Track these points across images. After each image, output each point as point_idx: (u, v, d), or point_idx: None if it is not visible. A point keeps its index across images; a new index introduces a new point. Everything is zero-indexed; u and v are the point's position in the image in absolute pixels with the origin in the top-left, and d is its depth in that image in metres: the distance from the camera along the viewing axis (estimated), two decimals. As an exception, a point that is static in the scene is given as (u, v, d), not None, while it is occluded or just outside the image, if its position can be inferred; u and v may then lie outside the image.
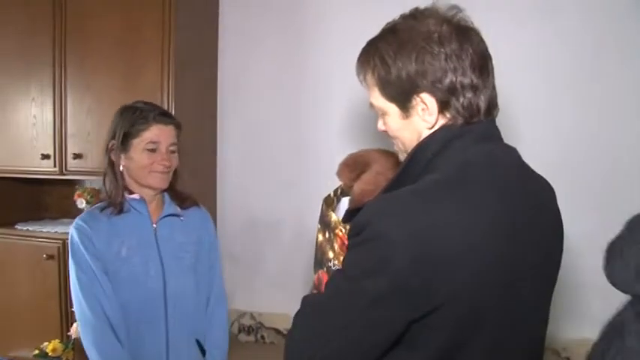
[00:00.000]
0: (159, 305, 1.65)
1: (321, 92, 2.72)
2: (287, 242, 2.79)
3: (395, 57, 0.96)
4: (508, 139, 1.06)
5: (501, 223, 0.91)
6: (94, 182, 2.86)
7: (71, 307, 1.70)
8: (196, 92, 2.73)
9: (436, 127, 0.99)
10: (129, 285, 1.62)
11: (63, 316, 2.57)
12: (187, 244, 1.75)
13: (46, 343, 2.22)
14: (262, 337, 2.83)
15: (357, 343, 0.90)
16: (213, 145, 2.93)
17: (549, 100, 2.37)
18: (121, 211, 1.66)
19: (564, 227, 1.08)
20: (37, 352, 2.22)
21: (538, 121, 2.35)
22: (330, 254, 1.19)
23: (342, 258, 1.15)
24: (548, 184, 1.08)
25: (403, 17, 1.01)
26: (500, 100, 1.04)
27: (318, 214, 1.28)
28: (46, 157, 2.70)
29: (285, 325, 2.58)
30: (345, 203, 1.30)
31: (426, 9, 1.00)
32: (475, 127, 0.97)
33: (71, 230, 1.63)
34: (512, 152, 1.03)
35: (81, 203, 2.80)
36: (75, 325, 1.83)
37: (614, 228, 2.28)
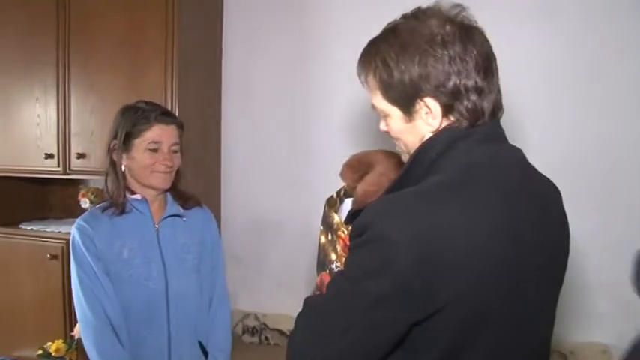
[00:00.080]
0: (161, 306, 1.64)
1: (325, 92, 2.71)
2: (291, 243, 2.78)
3: (397, 60, 0.94)
4: (508, 139, 1.05)
5: (506, 224, 0.89)
6: (98, 182, 2.85)
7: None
8: (200, 92, 2.72)
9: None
10: (130, 286, 1.61)
11: (66, 316, 2.58)
12: (190, 245, 1.74)
13: (49, 343, 2.21)
14: (266, 338, 2.83)
15: (358, 345, 0.89)
16: (217, 145, 2.93)
17: (550, 100, 2.37)
18: (122, 211, 1.65)
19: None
20: (40, 351, 2.21)
21: (538, 121, 2.34)
22: (333, 256, 1.17)
23: (344, 260, 1.14)
24: (554, 185, 1.07)
25: (405, 17, 0.99)
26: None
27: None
28: (49, 156, 2.70)
29: (290, 326, 2.58)
30: (348, 205, 1.29)
31: (429, 8, 0.98)
32: (479, 129, 0.96)
33: (73, 231, 1.62)
34: (517, 153, 1.01)
35: (85, 203, 2.80)
36: (78, 325, 1.83)
37: (616, 228, 2.28)
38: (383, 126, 1.06)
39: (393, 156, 1.20)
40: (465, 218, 0.86)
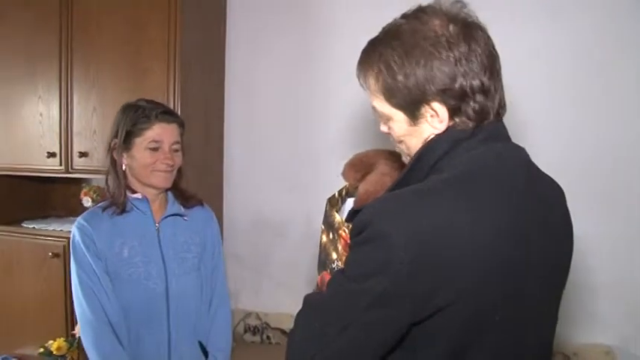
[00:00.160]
0: (161, 306, 1.63)
1: (328, 93, 2.70)
2: (293, 242, 2.78)
3: (401, 63, 0.92)
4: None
5: (510, 223, 0.89)
6: (100, 180, 2.86)
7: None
8: (203, 92, 2.72)
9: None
10: (130, 285, 1.60)
11: (68, 315, 2.58)
12: (190, 244, 1.73)
13: (50, 342, 2.21)
14: (268, 337, 2.82)
15: (357, 344, 0.88)
16: (220, 145, 2.92)
17: (550, 99, 2.37)
18: (123, 210, 1.64)
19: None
20: (41, 350, 2.21)
21: (538, 120, 2.34)
22: (334, 255, 1.17)
23: (344, 259, 1.13)
24: (557, 185, 1.06)
25: (406, 18, 0.96)
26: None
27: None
28: (52, 155, 2.70)
29: (291, 325, 2.58)
30: (350, 204, 1.28)
31: (429, 7, 0.95)
32: (484, 129, 0.94)
33: (73, 230, 1.62)
34: (521, 152, 1.00)
35: (87, 202, 2.80)
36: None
37: (616, 228, 2.28)
38: (383, 128, 1.05)
39: (396, 156, 1.19)
40: (466, 217, 0.85)
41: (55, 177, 2.88)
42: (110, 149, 1.66)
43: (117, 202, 1.64)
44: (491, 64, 0.94)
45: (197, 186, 1.85)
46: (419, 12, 0.95)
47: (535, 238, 0.92)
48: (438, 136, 0.95)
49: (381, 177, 1.22)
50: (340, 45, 2.63)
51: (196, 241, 1.75)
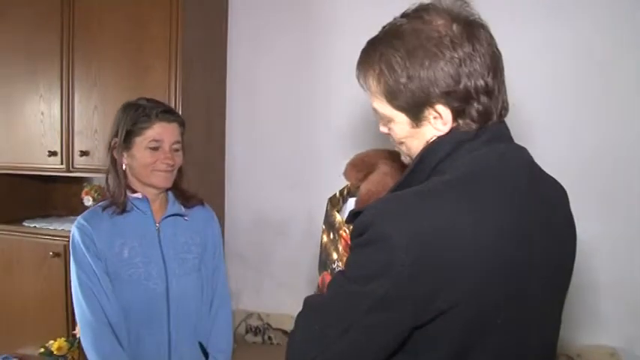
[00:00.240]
0: (161, 307, 1.62)
1: (330, 91, 2.70)
2: (295, 242, 2.77)
3: (404, 65, 0.90)
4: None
5: (513, 224, 0.87)
6: (101, 180, 2.83)
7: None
8: (204, 90, 2.71)
9: None
10: (130, 286, 1.59)
11: (69, 315, 2.57)
12: (191, 245, 1.72)
13: (51, 342, 2.20)
14: (269, 337, 2.81)
15: (358, 347, 0.87)
16: (222, 143, 2.91)
17: (550, 99, 2.36)
18: (123, 210, 1.63)
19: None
20: (42, 350, 2.20)
21: (538, 120, 2.33)
22: (335, 255, 1.16)
23: (345, 259, 1.12)
24: (560, 185, 1.04)
25: (407, 17, 0.94)
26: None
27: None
28: (53, 154, 2.70)
29: (293, 326, 2.57)
30: (351, 204, 1.27)
31: (431, 5, 0.93)
32: (487, 130, 0.93)
33: (73, 229, 1.61)
34: (524, 153, 0.98)
35: (88, 201, 2.80)
36: (80, 324, 1.82)
37: (617, 228, 2.27)
38: (383, 129, 1.03)
39: (398, 156, 1.17)
40: (472, 217, 0.84)
41: (56, 176, 2.88)
42: (110, 148, 1.65)
43: (117, 201, 1.63)
44: (495, 64, 0.92)
45: (198, 184, 1.84)
46: (421, 11, 0.93)
47: (538, 239, 0.90)
48: (440, 137, 0.93)
49: (383, 177, 1.21)
50: (342, 42, 2.62)
51: (197, 242, 1.74)
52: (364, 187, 1.22)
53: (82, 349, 1.61)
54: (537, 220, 0.91)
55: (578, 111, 2.34)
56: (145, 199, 1.66)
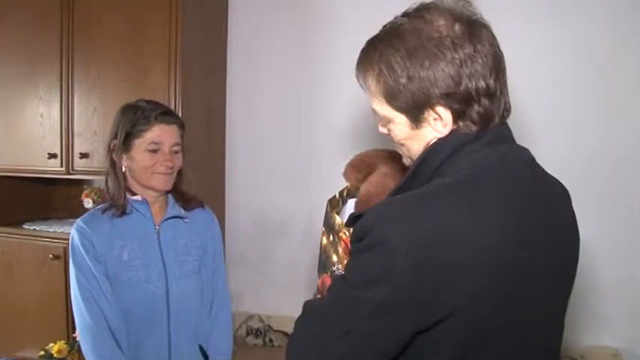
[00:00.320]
0: (161, 309, 1.61)
1: (330, 92, 2.69)
2: (296, 243, 2.76)
3: (404, 65, 0.89)
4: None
5: (515, 225, 0.86)
6: (101, 182, 2.83)
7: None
8: (204, 92, 2.71)
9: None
10: (130, 289, 1.58)
11: (69, 317, 2.56)
12: (191, 247, 1.71)
13: (51, 344, 2.21)
14: (270, 340, 2.80)
15: (358, 352, 0.86)
16: (222, 145, 2.91)
17: (550, 99, 2.35)
18: (123, 212, 1.62)
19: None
20: (42, 352, 2.20)
21: (538, 121, 2.32)
22: (334, 258, 1.15)
23: (345, 262, 1.11)
24: (563, 186, 1.03)
25: (408, 16, 0.92)
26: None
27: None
28: (52, 156, 2.69)
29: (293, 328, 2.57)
30: (351, 205, 1.26)
31: (432, 4, 0.92)
32: (488, 132, 0.92)
33: (72, 232, 1.60)
34: (525, 153, 0.97)
35: (88, 203, 2.79)
36: (79, 327, 1.81)
37: (617, 229, 2.26)
38: (382, 129, 1.01)
39: (398, 156, 1.17)
40: (473, 219, 0.83)
41: (55, 178, 2.87)
42: (109, 151, 1.64)
43: (116, 204, 1.62)
44: (497, 66, 0.91)
45: (198, 186, 1.83)
46: (422, 10, 0.92)
47: (540, 240, 0.90)
48: (441, 139, 0.92)
49: (383, 178, 1.20)
50: (342, 43, 2.61)
51: (197, 244, 1.73)
52: (364, 188, 1.21)
53: (82, 353, 1.60)
54: (540, 221, 0.90)
55: (578, 111, 2.33)
56: (144, 201, 1.65)
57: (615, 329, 2.31)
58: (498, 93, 0.91)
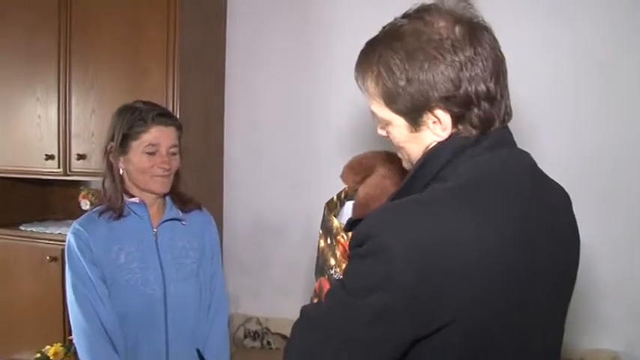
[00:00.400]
0: (159, 313, 1.61)
1: (329, 92, 2.67)
2: (295, 245, 2.75)
3: (403, 67, 0.87)
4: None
5: (516, 229, 0.85)
6: (99, 183, 2.81)
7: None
8: (202, 93, 2.69)
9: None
10: (127, 292, 1.57)
11: (65, 320, 2.53)
12: (189, 250, 1.70)
13: (47, 347, 2.20)
14: (268, 342, 2.79)
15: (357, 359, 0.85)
16: (220, 146, 2.89)
17: (550, 100, 2.34)
18: (120, 215, 1.61)
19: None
20: (38, 355, 2.20)
21: (539, 121, 2.31)
22: (332, 261, 1.14)
23: (343, 265, 1.10)
24: (564, 191, 1.02)
25: (408, 18, 0.91)
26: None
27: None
28: (50, 157, 2.67)
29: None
30: (348, 207, 1.26)
31: (433, 6, 0.91)
32: (489, 136, 0.91)
33: (68, 235, 1.59)
34: (527, 158, 0.96)
35: (85, 204, 2.78)
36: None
37: (617, 230, 2.26)
38: (381, 132, 1.00)
39: (396, 158, 1.16)
40: (474, 224, 0.82)
41: (53, 179, 2.85)
42: (106, 153, 1.63)
43: (114, 206, 1.62)
44: (498, 69, 0.89)
45: (196, 188, 1.82)
46: (422, 12, 0.90)
47: (541, 245, 0.89)
48: (441, 143, 0.91)
49: (382, 180, 1.19)
50: (342, 43, 2.60)
51: (195, 246, 1.72)
52: (362, 191, 1.20)
53: (78, 356, 1.59)
54: (541, 225, 0.89)
55: (578, 111, 2.32)
56: (142, 203, 1.64)
57: (614, 331, 2.30)
58: (499, 96, 0.89)
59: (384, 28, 0.95)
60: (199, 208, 1.80)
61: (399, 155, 1.03)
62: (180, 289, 1.65)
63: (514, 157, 0.93)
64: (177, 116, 2.36)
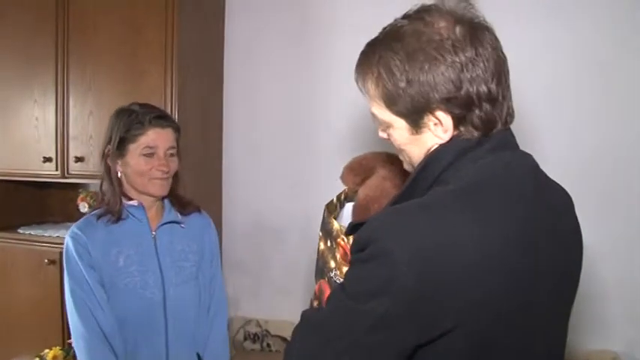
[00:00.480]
0: (158, 316, 1.59)
1: (329, 94, 2.67)
2: (294, 247, 2.74)
3: (403, 68, 0.87)
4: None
5: (519, 231, 0.85)
6: (97, 186, 2.81)
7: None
8: (201, 94, 2.68)
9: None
10: (127, 296, 1.56)
11: (64, 323, 2.52)
12: (188, 252, 1.69)
13: (46, 351, 2.19)
14: (268, 345, 2.78)
15: None
16: (219, 148, 2.88)
17: (550, 100, 2.34)
18: (119, 218, 1.60)
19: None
20: (37, 359, 2.18)
21: (539, 121, 2.30)
22: (332, 264, 1.13)
23: (343, 268, 1.10)
24: (566, 192, 1.02)
25: (408, 18, 0.90)
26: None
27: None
28: (47, 159, 2.66)
29: (291, 333, 2.55)
30: (348, 209, 1.25)
31: (434, 6, 0.90)
32: (491, 138, 0.90)
33: (66, 239, 1.58)
34: (529, 160, 0.95)
35: (83, 207, 2.77)
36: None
37: (616, 230, 2.25)
38: (382, 134, 0.99)
39: (397, 159, 1.15)
40: (477, 227, 0.81)
41: (51, 182, 2.84)
42: (104, 156, 1.62)
43: (112, 210, 1.61)
44: (499, 70, 0.88)
45: (195, 188, 1.81)
46: (422, 12, 0.90)
47: (544, 246, 0.88)
48: (442, 145, 0.90)
49: (382, 181, 1.18)
50: (341, 43, 2.59)
51: (194, 249, 1.71)
52: (362, 192, 1.19)
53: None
54: (543, 227, 0.88)
55: (578, 111, 2.31)
56: (140, 206, 1.63)
57: (613, 332, 2.30)
58: (500, 98, 0.89)
59: (384, 29, 0.94)
60: (198, 210, 1.79)
61: (400, 158, 1.02)
62: (179, 292, 1.64)
63: (517, 160, 0.92)
64: (176, 117, 2.36)
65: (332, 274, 1.12)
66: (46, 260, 2.60)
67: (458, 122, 0.88)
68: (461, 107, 0.86)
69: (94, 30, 2.56)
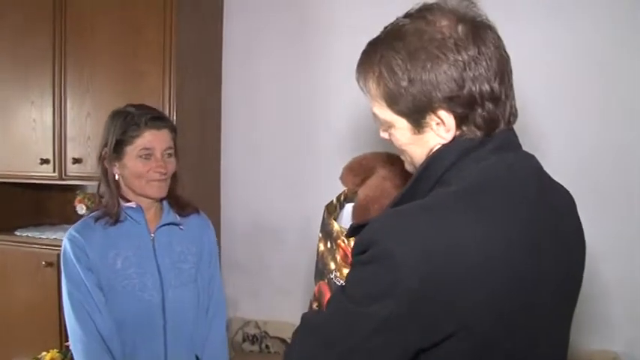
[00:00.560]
0: (157, 319, 1.58)
1: (329, 94, 2.66)
2: (294, 248, 2.73)
3: (405, 67, 0.86)
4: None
5: (522, 232, 0.84)
6: (95, 187, 2.80)
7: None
8: (199, 95, 2.67)
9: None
10: (125, 298, 1.55)
11: (62, 326, 2.51)
12: (187, 254, 1.68)
13: (44, 353, 2.19)
14: (267, 346, 2.77)
15: None
16: (217, 148, 2.88)
17: (550, 100, 2.34)
18: (117, 220, 1.59)
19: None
20: (34, 361, 2.18)
21: (538, 121, 2.30)
22: (332, 265, 1.12)
23: (343, 270, 1.09)
24: (569, 194, 1.01)
25: (410, 17, 0.90)
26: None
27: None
28: (45, 161, 2.65)
29: (290, 334, 2.54)
30: (348, 210, 1.24)
31: (435, 5, 0.89)
32: (494, 138, 0.89)
33: (64, 241, 1.57)
34: (533, 161, 0.95)
35: (81, 209, 2.75)
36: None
37: (615, 230, 2.24)
38: (384, 134, 0.98)
39: (397, 159, 1.14)
40: (480, 228, 0.80)
41: (48, 184, 2.82)
42: (101, 158, 1.61)
43: (110, 212, 1.59)
44: (502, 68, 0.87)
45: (194, 189, 1.80)
46: (424, 11, 0.89)
47: (547, 247, 0.87)
48: (445, 145, 0.89)
49: (382, 181, 1.17)
50: (340, 42, 2.58)
51: (193, 251, 1.70)
52: (362, 193, 1.18)
53: (75, 362, 1.57)
54: (546, 228, 0.88)
55: (578, 111, 2.31)
56: (138, 208, 1.62)
57: (613, 332, 2.29)
58: (503, 97, 0.88)
59: (385, 28, 0.93)
60: (197, 211, 1.78)
61: (402, 158, 1.01)
62: (178, 294, 1.63)
63: (520, 161, 0.91)
64: (175, 117, 2.35)
65: (332, 276, 1.12)
66: (43, 262, 2.59)
67: (460, 122, 0.87)
68: (463, 106, 0.85)
69: (92, 31, 2.55)
